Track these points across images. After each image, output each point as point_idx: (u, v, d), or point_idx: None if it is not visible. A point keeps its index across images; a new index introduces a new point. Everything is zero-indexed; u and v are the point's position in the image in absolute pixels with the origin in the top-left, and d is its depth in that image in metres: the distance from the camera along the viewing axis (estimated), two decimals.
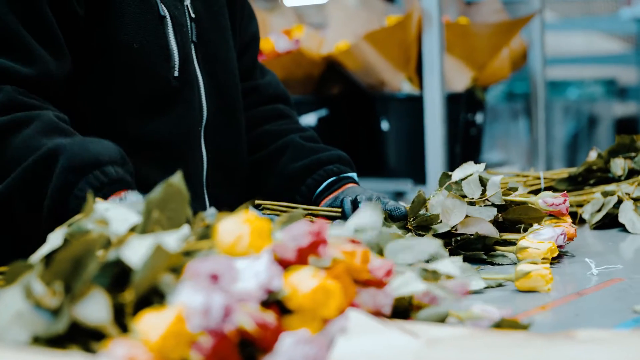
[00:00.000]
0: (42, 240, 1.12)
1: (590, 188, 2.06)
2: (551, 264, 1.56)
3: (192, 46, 1.76)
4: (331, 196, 1.83)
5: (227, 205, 1.83)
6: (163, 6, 1.70)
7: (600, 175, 2.08)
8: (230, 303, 0.93)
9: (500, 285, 1.45)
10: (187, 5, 1.76)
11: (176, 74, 1.71)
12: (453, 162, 2.93)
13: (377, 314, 1.15)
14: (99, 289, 0.94)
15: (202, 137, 1.78)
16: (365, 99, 3.29)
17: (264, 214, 1.75)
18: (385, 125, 3.22)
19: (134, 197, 1.48)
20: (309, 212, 1.73)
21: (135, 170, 1.55)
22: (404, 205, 1.70)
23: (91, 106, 1.66)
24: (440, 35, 2.92)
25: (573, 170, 2.09)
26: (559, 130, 6.42)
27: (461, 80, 3.17)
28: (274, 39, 3.25)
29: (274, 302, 1.00)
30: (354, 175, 1.89)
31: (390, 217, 1.66)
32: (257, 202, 1.75)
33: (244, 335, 0.95)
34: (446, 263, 1.44)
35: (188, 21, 1.76)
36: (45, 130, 1.52)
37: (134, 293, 0.95)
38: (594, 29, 6.84)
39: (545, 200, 1.68)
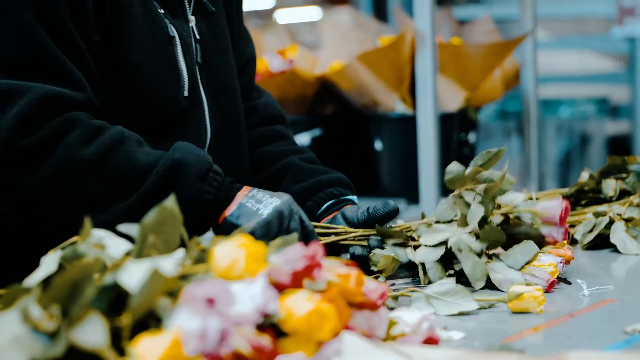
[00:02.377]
0: None
1: (582, 209, 2.07)
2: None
3: (197, 67, 1.77)
4: (328, 217, 1.83)
5: None
6: (172, 27, 1.71)
7: (592, 196, 2.09)
8: (226, 327, 0.94)
9: (492, 306, 1.46)
10: (192, 27, 1.77)
11: (186, 94, 1.72)
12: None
13: (371, 336, 1.17)
14: (96, 312, 0.95)
15: None
16: (359, 118, 3.31)
17: None
18: (378, 145, 3.24)
19: (257, 192, 1.62)
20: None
21: None
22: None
23: None
24: (433, 56, 2.94)
25: (565, 191, 2.10)
26: (551, 148, 6.44)
27: (454, 100, 3.19)
28: (268, 59, 3.27)
29: (270, 326, 1.02)
30: (353, 197, 1.90)
31: (384, 216, 1.72)
32: None
33: (239, 358, 0.96)
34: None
35: (193, 42, 1.77)
36: (139, 142, 1.60)
37: (131, 317, 0.96)
38: (586, 48, 6.87)
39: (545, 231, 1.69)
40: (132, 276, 0.97)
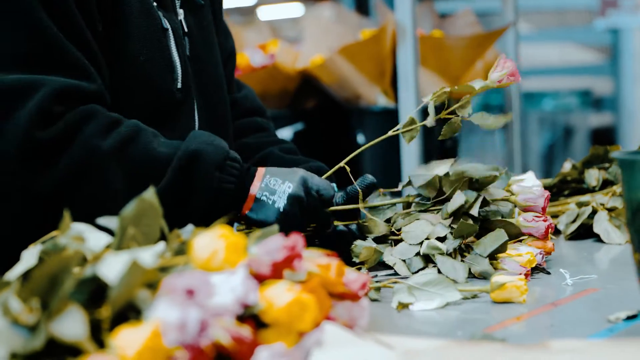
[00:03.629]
0: None
1: (565, 199, 2.07)
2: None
3: (187, 60, 1.77)
4: None
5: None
6: (165, 19, 1.72)
7: (574, 186, 2.09)
8: (206, 318, 0.93)
9: (475, 296, 1.46)
10: (181, 20, 1.78)
11: (179, 85, 1.72)
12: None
13: (353, 326, 1.16)
14: (75, 305, 0.94)
15: None
16: (341, 112, 3.30)
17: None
18: (361, 139, 3.23)
19: (269, 179, 1.62)
20: None
21: None
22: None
23: None
24: (415, 49, 2.93)
25: (548, 181, 2.10)
26: (534, 141, 6.45)
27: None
28: (249, 54, 3.26)
29: (250, 316, 1.01)
30: (333, 185, 1.89)
31: (364, 191, 1.74)
32: (237, 228, 1.76)
33: (220, 349, 0.95)
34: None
35: (182, 35, 1.77)
36: (154, 135, 1.60)
37: (111, 309, 0.96)
38: (569, 40, 6.89)
39: (527, 218, 1.69)
40: (111, 268, 0.96)
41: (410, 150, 2.95)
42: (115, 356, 0.91)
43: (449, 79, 3.19)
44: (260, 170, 1.64)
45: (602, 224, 1.90)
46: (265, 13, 4.65)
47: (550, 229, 1.70)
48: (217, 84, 1.86)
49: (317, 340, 1.05)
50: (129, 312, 0.97)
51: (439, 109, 3.21)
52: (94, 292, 0.99)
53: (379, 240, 1.70)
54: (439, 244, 1.62)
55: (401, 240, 1.67)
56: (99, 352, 0.92)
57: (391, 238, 1.69)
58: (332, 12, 3.59)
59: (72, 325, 0.92)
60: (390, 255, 1.66)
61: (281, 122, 3.28)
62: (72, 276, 0.93)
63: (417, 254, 1.64)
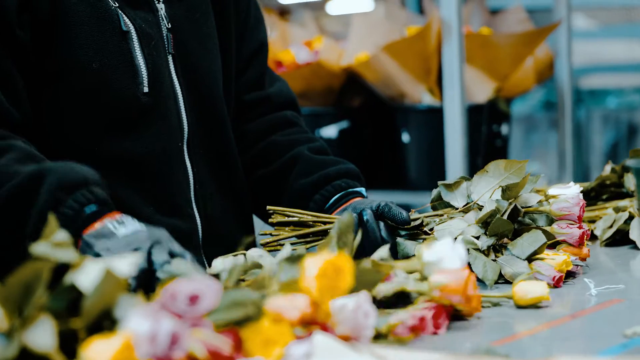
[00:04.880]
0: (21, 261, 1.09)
1: (603, 203, 2.01)
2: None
3: (170, 57, 1.71)
4: (338, 210, 1.79)
5: (220, 219, 1.80)
6: (127, 20, 1.65)
7: (613, 190, 2.03)
8: (178, 330, 0.90)
9: (498, 304, 1.42)
10: (162, 15, 1.71)
11: (145, 89, 1.65)
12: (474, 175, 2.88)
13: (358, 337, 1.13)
14: (47, 314, 0.92)
15: (186, 152, 1.74)
16: (386, 110, 3.25)
17: (273, 222, 1.72)
18: (405, 137, 3.18)
19: (132, 222, 1.44)
20: (318, 220, 1.70)
21: (112, 192, 1.52)
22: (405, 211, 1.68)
23: (53, 129, 1.61)
24: (460, 46, 2.87)
25: (586, 184, 2.04)
26: (597, 139, 6.33)
27: (483, 91, 3.12)
28: (295, 51, 3.23)
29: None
30: (362, 190, 1.84)
31: (394, 222, 1.65)
32: (268, 208, 1.73)
33: None
34: None
35: (164, 31, 1.70)
36: (21, 158, 1.50)
37: (86, 318, 0.93)
38: (635, 37, 6.74)
39: (561, 225, 1.64)
40: (88, 276, 0.94)
41: (454, 149, 2.90)
42: None
43: (496, 77, 3.12)
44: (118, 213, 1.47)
45: (637, 230, 1.83)
46: (335, 7, 4.59)
47: (585, 236, 1.65)
48: (209, 80, 1.78)
49: (307, 351, 1.02)
50: (106, 322, 0.94)
51: (488, 107, 3.17)
52: (74, 301, 0.97)
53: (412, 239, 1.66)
54: (474, 239, 1.57)
55: (433, 239, 1.63)
56: None
57: (423, 237, 1.66)
58: (380, 8, 3.54)
59: (42, 335, 0.90)
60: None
61: (326, 120, 3.24)
62: (44, 285, 0.90)
63: None
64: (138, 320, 0.90)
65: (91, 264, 0.95)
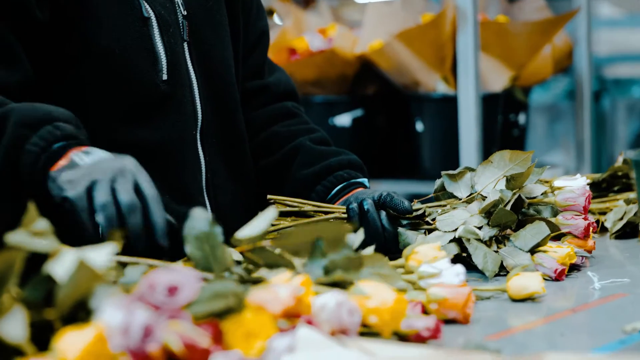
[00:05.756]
0: None
1: (614, 195, 1.97)
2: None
3: (185, 45, 1.70)
4: (340, 201, 1.77)
5: (231, 209, 1.79)
6: (147, 6, 1.64)
7: (625, 182, 1.99)
8: (152, 322, 0.88)
9: (491, 297, 1.39)
10: (178, 2, 1.70)
11: (164, 77, 1.64)
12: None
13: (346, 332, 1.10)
14: (20, 305, 0.90)
15: (199, 140, 1.73)
16: (400, 99, 3.22)
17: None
18: (419, 126, 3.15)
19: (99, 152, 1.40)
20: (319, 210, 1.69)
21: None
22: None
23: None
24: (475, 34, 2.83)
25: (597, 176, 2.00)
26: (622, 129, 6.26)
27: (499, 80, 3.08)
28: (309, 38, 3.20)
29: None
30: (364, 180, 1.82)
31: (395, 211, 1.63)
32: (268, 197, 1.72)
33: (170, 355, 0.90)
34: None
35: (180, 18, 1.69)
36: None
37: (60, 309, 0.91)
38: None
39: (566, 216, 1.61)
40: (62, 266, 0.92)
41: (468, 139, 2.86)
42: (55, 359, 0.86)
43: (512, 65, 3.08)
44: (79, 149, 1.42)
45: None
46: None
47: (592, 228, 1.62)
48: (223, 67, 1.77)
49: (289, 345, 1.00)
50: (81, 313, 0.92)
51: (504, 96, 3.12)
52: (50, 291, 0.95)
53: (413, 228, 1.64)
54: (475, 229, 1.55)
55: (435, 229, 1.60)
56: (40, 355, 0.88)
57: (424, 227, 1.63)
58: None
59: (13, 326, 0.88)
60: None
61: (340, 108, 3.21)
62: (16, 275, 0.89)
63: (452, 240, 1.57)
64: (111, 311, 0.88)
65: (66, 254, 0.93)
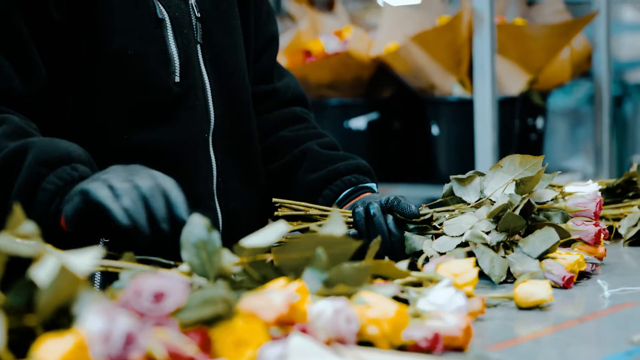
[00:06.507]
0: None
1: (629, 201, 1.93)
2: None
3: (199, 47, 1.68)
4: (347, 205, 1.75)
5: (241, 214, 1.77)
6: (162, 7, 1.62)
7: None
8: (135, 329, 0.85)
9: (497, 305, 1.35)
10: (192, 4, 1.68)
11: (177, 79, 1.62)
12: None
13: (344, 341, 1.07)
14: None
15: (211, 144, 1.71)
16: (416, 102, 3.18)
17: (279, 215, 1.69)
18: (435, 130, 3.11)
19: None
20: (324, 214, 1.67)
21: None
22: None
23: (81, 115, 1.59)
24: (492, 37, 2.80)
25: (611, 181, 1.96)
26: None
27: (516, 83, 3.04)
28: (324, 40, 3.17)
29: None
30: (372, 185, 1.80)
31: (402, 216, 1.61)
32: (274, 200, 1.71)
33: None
34: None
35: (194, 20, 1.68)
36: (11, 133, 1.46)
37: (41, 315, 0.89)
38: None
39: (576, 222, 1.57)
40: (45, 271, 0.89)
41: (484, 143, 2.82)
42: None
43: (530, 69, 3.04)
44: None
45: None
46: None
47: (603, 234, 1.58)
48: (235, 71, 1.75)
49: (281, 354, 0.97)
50: (63, 320, 0.90)
51: (521, 100, 3.08)
52: (32, 297, 0.92)
53: (420, 233, 1.61)
54: (482, 234, 1.51)
55: (442, 234, 1.57)
56: None
57: (431, 232, 1.60)
58: None
59: None
60: (430, 247, 1.57)
61: (355, 111, 3.18)
62: None
63: (459, 245, 1.54)
64: (93, 318, 0.85)
65: (49, 258, 0.90)
